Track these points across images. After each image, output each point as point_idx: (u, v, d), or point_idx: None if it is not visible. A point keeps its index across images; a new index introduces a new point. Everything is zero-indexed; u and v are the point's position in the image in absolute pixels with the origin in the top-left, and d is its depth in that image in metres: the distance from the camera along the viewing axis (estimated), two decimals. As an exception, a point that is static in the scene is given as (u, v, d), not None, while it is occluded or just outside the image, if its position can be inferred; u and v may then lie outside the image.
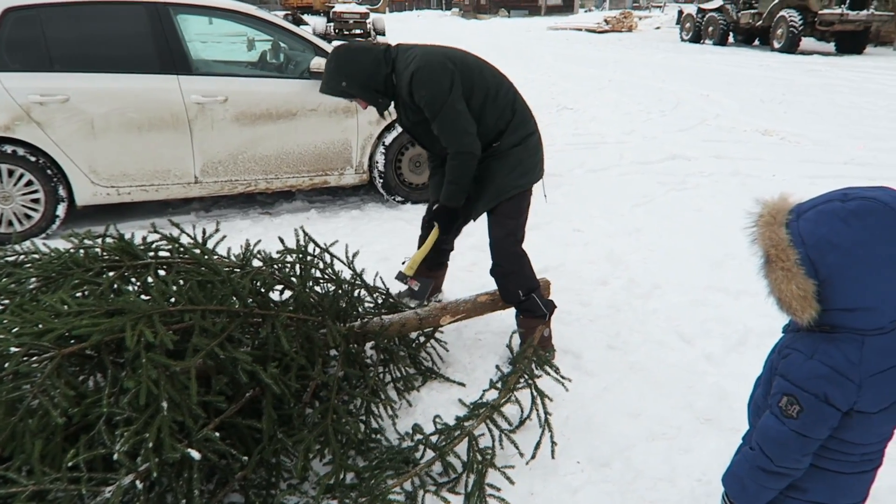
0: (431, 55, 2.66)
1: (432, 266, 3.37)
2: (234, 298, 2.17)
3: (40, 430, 1.73)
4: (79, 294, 2.10)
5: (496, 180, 2.75)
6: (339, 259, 2.78)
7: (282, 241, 2.66)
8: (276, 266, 2.50)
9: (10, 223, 4.32)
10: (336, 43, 3.05)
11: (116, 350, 1.96)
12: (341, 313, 2.57)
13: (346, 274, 2.81)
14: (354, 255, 2.86)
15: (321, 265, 2.67)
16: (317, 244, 2.68)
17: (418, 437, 2.31)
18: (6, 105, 4.11)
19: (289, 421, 2.14)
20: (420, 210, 5.02)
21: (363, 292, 2.86)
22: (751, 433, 1.48)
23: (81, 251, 2.23)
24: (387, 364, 2.65)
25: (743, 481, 1.42)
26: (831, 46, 17.50)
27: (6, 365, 1.76)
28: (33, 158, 4.24)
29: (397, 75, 2.73)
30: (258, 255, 2.52)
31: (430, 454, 2.24)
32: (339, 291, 2.65)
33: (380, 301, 2.89)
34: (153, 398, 1.75)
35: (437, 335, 2.90)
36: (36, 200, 4.34)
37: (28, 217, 4.35)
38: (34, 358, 1.81)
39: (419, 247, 3.32)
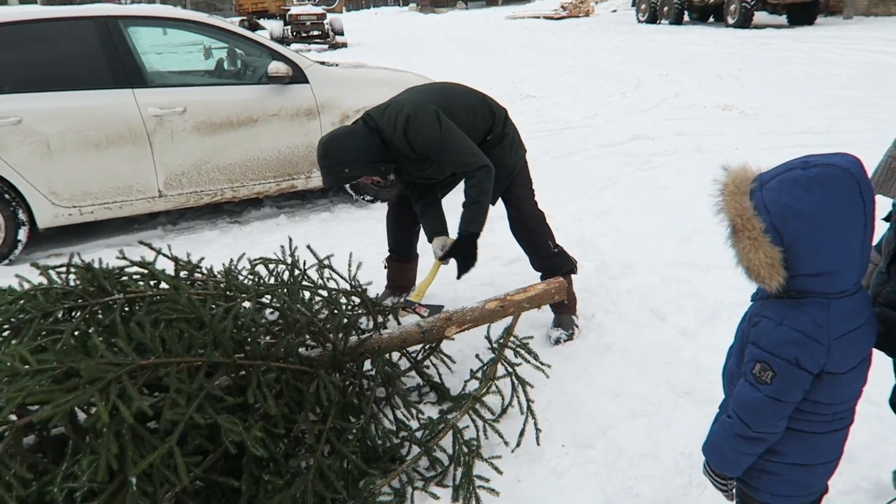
0: (411, 105, 2.81)
1: (403, 257, 3.38)
2: (216, 345, 1.94)
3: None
4: (40, 343, 1.89)
5: (503, 162, 2.97)
6: (338, 274, 2.64)
7: (267, 267, 2.50)
8: (261, 289, 2.28)
9: (-29, 251, 4.21)
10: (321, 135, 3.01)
11: (74, 416, 1.78)
12: (337, 359, 2.29)
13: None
14: (358, 267, 2.73)
15: (313, 283, 2.51)
16: (317, 257, 2.57)
17: (403, 433, 2.31)
18: (-44, 131, 4.00)
19: (267, 464, 1.97)
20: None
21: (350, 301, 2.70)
22: (727, 402, 1.50)
23: (40, 293, 2.01)
24: (386, 386, 2.45)
25: (722, 449, 1.45)
26: (783, 19, 17.80)
27: None
28: (-11, 183, 4.14)
29: (387, 140, 2.84)
30: (243, 278, 2.37)
31: (415, 450, 2.24)
32: (335, 311, 2.46)
33: (380, 319, 2.68)
34: (120, 468, 1.60)
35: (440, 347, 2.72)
36: (-5, 226, 4.23)
37: (-11, 243, 4.25)
38: None
39: (389, 244, 3.36)
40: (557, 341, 3.02)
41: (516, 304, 2.70)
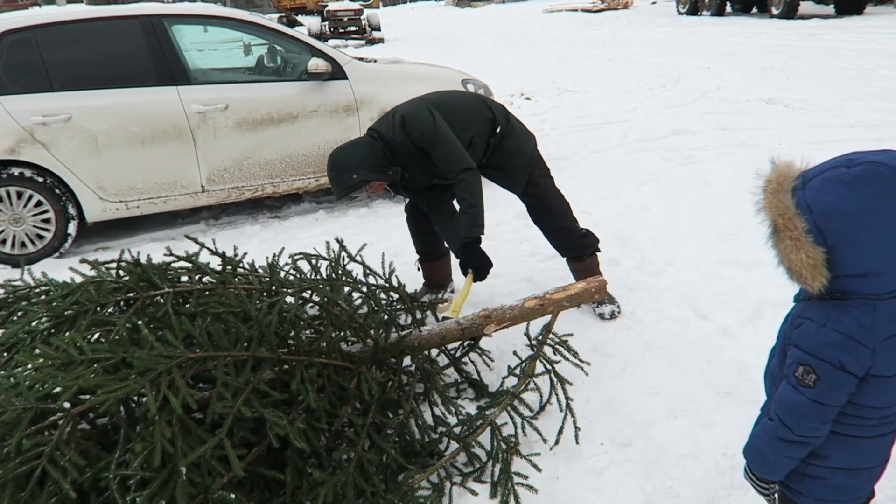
0: (405, 106, 2.97)
1: (431, 257, 3.39)
2: (261, 338, 1.99)
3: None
4: (93, 335, 1.98)
5: (522, 151, 3.05)
6: (373, 272, 2.68)
7: (310, 262, 2.53)
8: (304, 285, 2.32)
9: (23, 244, 4.36)
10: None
11: (127, 404, 1.85)
12: (378, 355, 2.33)
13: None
14: (392, 267, 2.75)
15: (353, 279, 2.54)
16: (348, 254, 2.60)
17: (441, 428, 2.33)
18: (9, 128, 4.14)
19: (309, 457, 1.98)
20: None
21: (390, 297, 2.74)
22: (769, 404, 1.48)
23: (92, 287, 2.08)
24: (425, 382, 2.46)
25: (763, 452, 1.43)
26: (830, 9, 17.28)
27: (13, 435, 1.65)
28: (41, 179, 4.28)
29: (389, 143, 2.93)
30: (284, 273, 2.40)
31: (453, 445, 2.26)
32: (375, 308, 2.51)
33: (418, 315, 2.71)
34: (169, 458, 1.65)
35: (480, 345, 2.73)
36: (47, 220, 4.38)
37: (40, 237, 4.40)
38: (44, 423, 1.70)
39: (416, 247, 3.41)
40: (612, 315, 3.13)
41: (556, 302, 2.69)
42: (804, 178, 1.27)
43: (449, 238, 3.09)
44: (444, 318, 2.89)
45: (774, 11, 17.24)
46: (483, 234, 2.91)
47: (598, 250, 3.24)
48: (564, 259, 3.26)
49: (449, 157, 2.84)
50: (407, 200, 3.35)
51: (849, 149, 1.32)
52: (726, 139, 6.14)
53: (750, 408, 2.39)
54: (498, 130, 3.02)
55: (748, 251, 3.66)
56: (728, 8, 20.43)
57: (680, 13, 22.03)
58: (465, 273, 2.96)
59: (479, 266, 2.92)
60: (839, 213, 1.22)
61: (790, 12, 16.67)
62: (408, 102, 3.04)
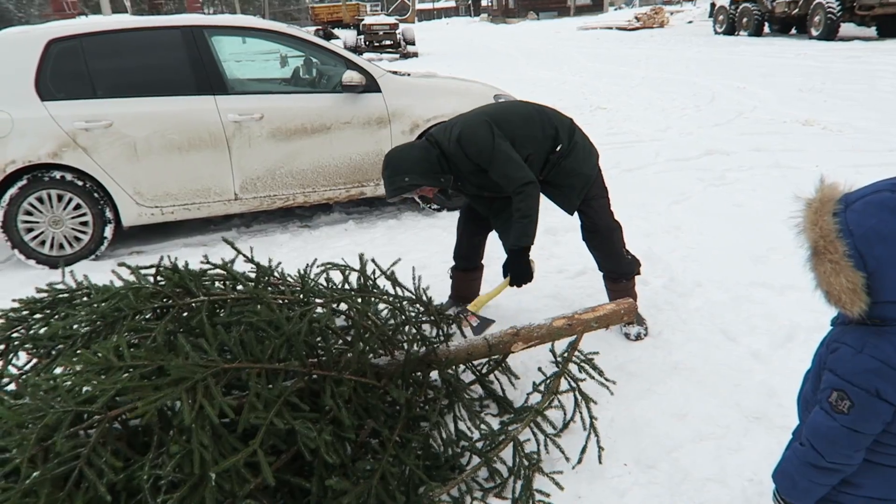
0: (466, 118, 2.97)
1: (466, 267, 3.40)
2: (289, 346, 2.03)
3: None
4: (130, 339, 2.02)
5: (579, 171, 3.01)
6: (405, 288, 2.66)
7: (342, 273, 2.55)
8: (335, 295, 2.35)
9: (62, 246, 4.48)
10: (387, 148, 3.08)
11: (161, 409, 1.88)
12: (405, 371, 2.34)
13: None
14: (420, 286, 2.74)
15: (384, 292, 2.57)
16: (380, 269, 2.61)
17: (463, 442, 2.31)
18: (53, 133, 4.27)
19: (334, 467, 2.00)
20: (455, 217, 5.04)
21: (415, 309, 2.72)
22: (801, 428, 1.45)
23: (131, 293, 2.13)
24: (450, 396, 2.48)
25: (793, 478, 1.40)
26: (872, 31, 16.98)
27: (54, 436, 1.69)
28: (80, 183, 4.39)
29: (446, 152, 2.94)
30: (315, 283, 2.43)
31: (475, 460, 2.24)
32: (403, 319, 2.54)
33: (445, 330, 2.71)
34: (201, 463, 1.68)
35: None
36: (84, 223, 4.49)
37: (77, 239, 4.51)
38: (82, 425, 1.75)
39: (457, 238, 3.40)
40: (638, 336, 3.10)
41: (584, 323, 2.68)
42: (846, 202, 1.26)
43: (504, 239, 3.12)
44: (463, 309, 2.90)
45: (814, 33, 16.98)
46: (532, 244, 2.94)
47: (639, 273, 3.23)
48: (602, 275, 3.24)
49: (508, 174, 2.84)
50: (464, 202, 3.37)
51: (889, 173, 1.30)
52: (761, 160, 6.05)
53: (779, 433, 2.34)
54: (559, 148, 2.98)
55: (781, 274, 3.59)
56: (766, 28, 20.19)
57: (716, 33, 21.84)
58: (504, 275, 3.00)
59: (518, 274, 2.97)
60: (881, 238, 1.20)
61: (830, 34, 16.41)
62: (467, 115, 3.03)
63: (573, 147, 3.02)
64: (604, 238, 3.12)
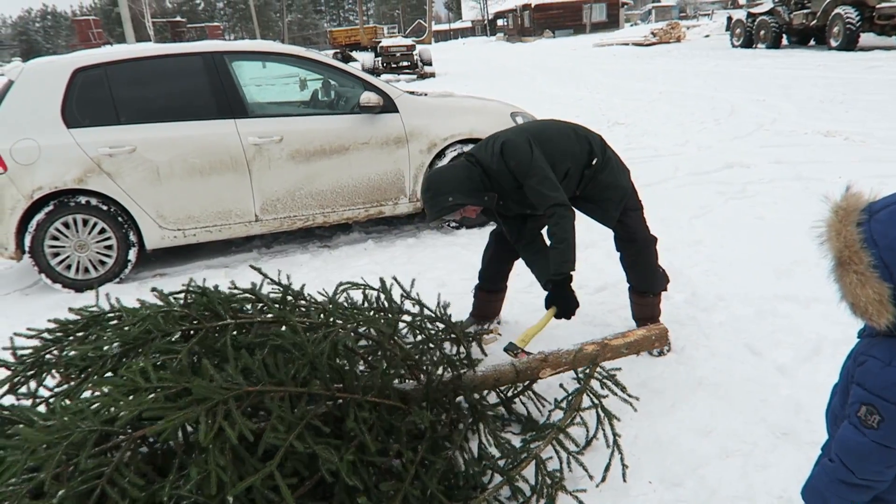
0: (506, 134, 2.97)
1: (491, 288, 3.39)
2: (313, 369, 2.05)
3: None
4: (156, 361, 2.04)
5: (617, 184, 3.02)
6: (427, 307, 2.69)
7: (364, 294, 2.59)
8: (359, 318, 2.37)
9: (87, 270, 4.55)
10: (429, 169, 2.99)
11: (184, 431, 1.91)
12: (430, 396, 2.33)
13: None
14: (446, 308, 2.74)
15: (405, 312, 2.59)
16: (403, 290, 2.65)
17: (485, 462, 2.30)
18: (79, 159, 4.36)
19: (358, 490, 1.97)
20: (474, 234, 5.05)
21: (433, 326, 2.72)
22: (830, 444, 1.42)
23: (161, 316, 2.17)
24: (475, 420, 2.43)
25: (823, 495, 1.36)
26: (893, 40, 16.81)
27: (79, 455, 1.72)
28: (105, 207, 4.47)
29: (487, 169, 2.93)
30: (340, 306, 2.44)
31: (497, 478, 2.22)
32: (425, 339, 2.54)
33: (467, 348, 2.68)
34: (221, 486, 1.69)
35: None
36: (109, 247, 4.56)
37: (102, 263, 4.58)
38: (107, 444, 1.78)
39: (483, 262, 3.38)
40: (661, 352, 3.05)
41: (615, 349, 2.67)
42: (870, 211, 1.24)
43: (536, 270, 3.07)
44: (511, 345, 2.84)
45: (833, 44, 16.86)
46: (574, 270, 2.87)
47: (665, 289, 3.22)
48: (627, 287, 3.22)
49: (541, 190, 2.82)
50: (494, 227, 3.36)
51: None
52: (782, 173, 5.99)
53: (808, 449, 2.29)
54: (594, 162, 2.99)
55: (805, 287, 3.54)
56: (784, 40, 20.08)
57: (734, 46, 21.77)
58: (548, 307, 2.92)
59: (566, 305, 2.89)
60: None
61: (850, 44, 16.28)
62: (508, 130, 3.04)
63: (607, 161, 3.03)
64: (640, 249, 3.12)
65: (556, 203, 2.81)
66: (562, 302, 2.89)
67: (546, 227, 2.91)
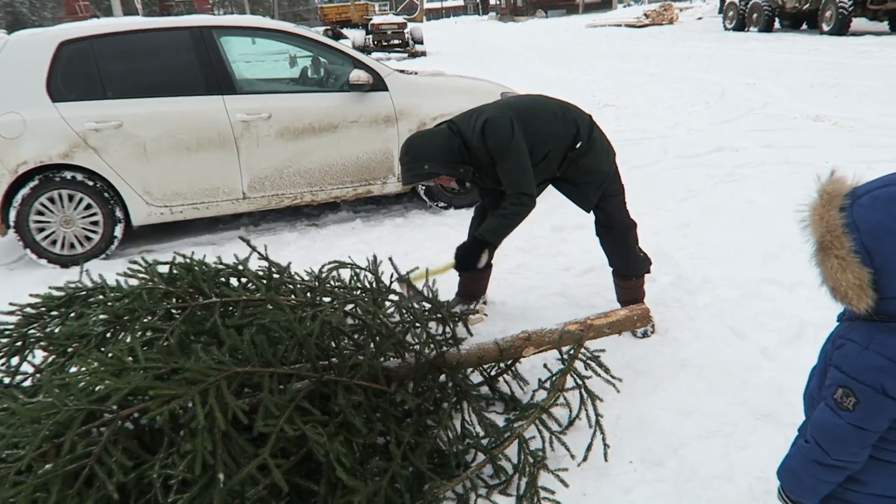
0: (490, 111, 2.92)
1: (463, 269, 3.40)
2: (301, 349, 2.05)
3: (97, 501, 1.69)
4: (144, 337, 2.04)
5: (597, 168, 3.01)
6: (415, 288, 2.71)
7: (356, 273, 2.60)
8: (347, 297, 2.37)
9: (72, 245, 4.51)
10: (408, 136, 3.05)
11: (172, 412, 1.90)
12: (416, 375, 2.35)
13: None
14: (433, 287, 2.76)
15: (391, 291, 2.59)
16: (396, 270, 2.66)
17: (468, 440, 2.32)
18: (65, 133, 4.31)
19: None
20: (462, 214, 5.05)
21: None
22: (807, 425, 1.44)
23: (145, 293, 2.15)
24: (459, 398, 2.46)
25: (798, 475, 1.39)
26: (884, 26, 16.80)
27: (66, 434, 1.71)
28: (91, 183, 4.43)
29: (468, 143, 2.92)
30: (327, 284, 2.45)
31: (480, 457, 2.24)
32: (410, 318, 2.55)
33: (453, 328, 2.70)
34: (210, 466, 1.70)
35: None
36: (95, 223, 4.53)
37: (88, 239, 4.55)
38: (94, 423, 1.77)
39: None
40: (645, 334, 3.08)
41: (597, 328, 2.68)
42: (854, 196, 1.24)
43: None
44: (407, 278, 2.83)
45: (825, 28, 16.81)
46: (496, 246, 3.02)
47: (649, 272, 3.25)
48: (611, 272, 3.24)
49: (513, 175, 2.85)
50: (478, 202, 3.38)
51: (903, 169, 1.28)
52: (771, 157, 6.01)
53: (788, 431, 2.32)
54: (578, 146, 2.97)
55: (791, 271, 3.57)
56: (777, 24, 20.02)
57: (726, 29, 21.67)
58: (454, 257, 3.06)
59: (464, 262, 3.03)
60: (889, 233, 1.19)
61: (842, 29, 16.24)
62: (493, 106, 3.01)
63: (592, 144, 3.01)
64: (618, 235, 3.12)
65: (522, 192, 2.86)
66: (464, 257, 3.01)
67: (503, 202, 2.94)
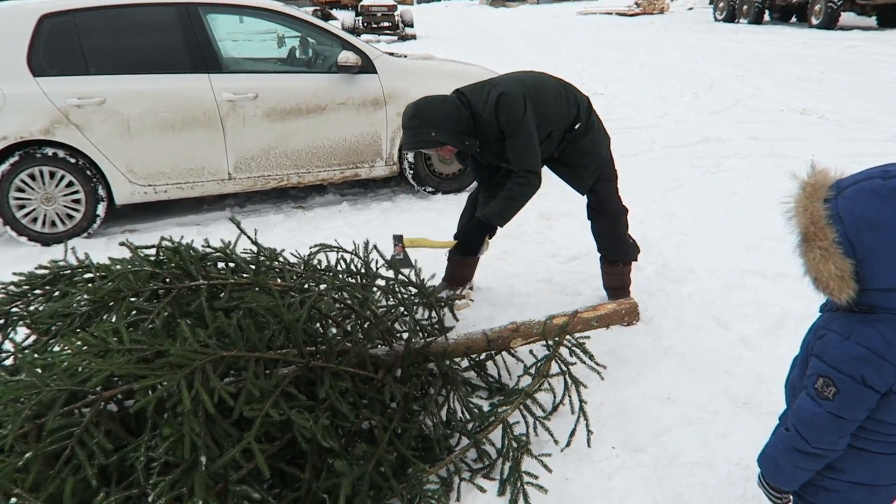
0: (505, 85, 2.85)
1: (466, 252, 3.39)
2: (288, 334, 2.04)
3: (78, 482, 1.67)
4: (128, 321, 2.02)
5: (595, 151, 3.00)
6: (403, 275, 2.68)
7: (343, 259, 2.60)
8: (335, 283, 2.35)
9: (53, 223, 4.45)
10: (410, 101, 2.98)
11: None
12: (404, 363, 2.33)
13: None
14: (419, 273, 2.76)
15: (385, 279, 2.59)
16: (382, 257, 2.66)
17: (453, 424, 2.33)
18: (46, 109, 4.23)
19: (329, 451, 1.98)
20: (450, 200, 5.04)
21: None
22: (787, 413, 1.46)
23: (130, 274, 2.13)
24: (447, 389, 2.45)
25: (778, 462, 1.41)
26: (872, 21, 16.91)
27: (48, 414, 1.69)
28: (73, 160, 4.36)
29: (477, 115, 2.86)
30: (315, 269, 2.43)
31: (464, 441, 2.25)
32: (397, 303, 2.55)
33: (439, 313, 2.72)
34: (193, 448, 1.68)
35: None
36: (77, 201, 4.46)
37: (70, 217, 4.48)
38: (76, 404, 1.75)
39: (459, 226, 3.40)
40: (629, 323, 3.08)
41: (585, 321, 2.71)
42: (838, 188, 1.25)
43: (481, 207, 3.14)
44: (399, 239, 2.95)
45: (814, 21, 16.91)
46: (502, 226, 3.00)
47: (636, 260, 3.26)
48: (598, 257, 3.24)
49: (522, 151, 2.83)
50: (471, 190, 3.36)
51: (886, 162, 1.29)
52: (757, 148, 6.05)
53: (767, 419, 2.36)
54: (577, 127, 2.96)
55: (774, 262, 3.60)
56: (766, 16, 20.09)
57: (717, 20, 21.70)
58: (456, 238, 3.06)
59: (468, 245, 3.07)
60: (871, 226, 1.20)
61: (830, 23, 16.34)
62: (504, 79, 2.94)
63: (590, 126, 3.00)
64: (610, 220, 3.13)
65: (530, 169, 2.84)
66: (468, 240, 3.05)
67: (509, 182, 2.92)
